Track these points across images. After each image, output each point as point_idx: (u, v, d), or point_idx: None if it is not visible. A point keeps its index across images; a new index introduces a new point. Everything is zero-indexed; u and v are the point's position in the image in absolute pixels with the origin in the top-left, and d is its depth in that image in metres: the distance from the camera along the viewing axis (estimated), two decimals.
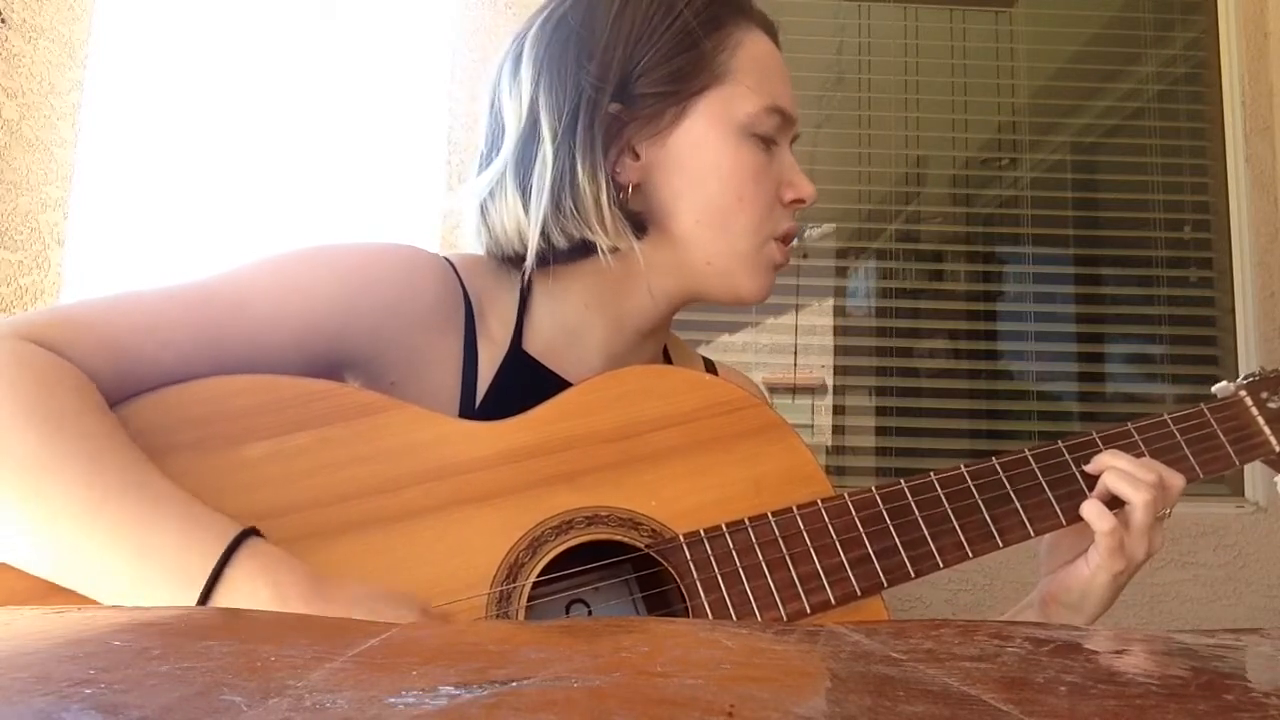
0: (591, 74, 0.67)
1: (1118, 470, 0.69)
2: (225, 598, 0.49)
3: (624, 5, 0.69)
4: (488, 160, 0.72)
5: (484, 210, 0.71)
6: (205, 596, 0.48)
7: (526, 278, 0.72)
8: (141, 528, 0.49)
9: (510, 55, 0.72)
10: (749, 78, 0.70)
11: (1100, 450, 0.72)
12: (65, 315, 0.57)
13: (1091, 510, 0.69)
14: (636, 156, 0.70)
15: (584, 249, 0.69)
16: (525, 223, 0.68)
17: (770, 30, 0.75)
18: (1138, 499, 0.68)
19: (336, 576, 0.53)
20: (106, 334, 0.57)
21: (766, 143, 0.71)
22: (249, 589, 0.49)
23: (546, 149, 0.67)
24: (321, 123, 1.55)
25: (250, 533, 0.51)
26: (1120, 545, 0.69)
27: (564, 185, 0.67)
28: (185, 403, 0.58)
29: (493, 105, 0.72)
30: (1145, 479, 0.69)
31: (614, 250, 0.69)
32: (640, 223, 0.70)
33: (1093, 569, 0.70)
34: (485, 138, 0.73)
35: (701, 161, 0.69)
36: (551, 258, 0.70)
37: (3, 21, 1.28)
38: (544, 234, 0.68)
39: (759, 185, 0.71)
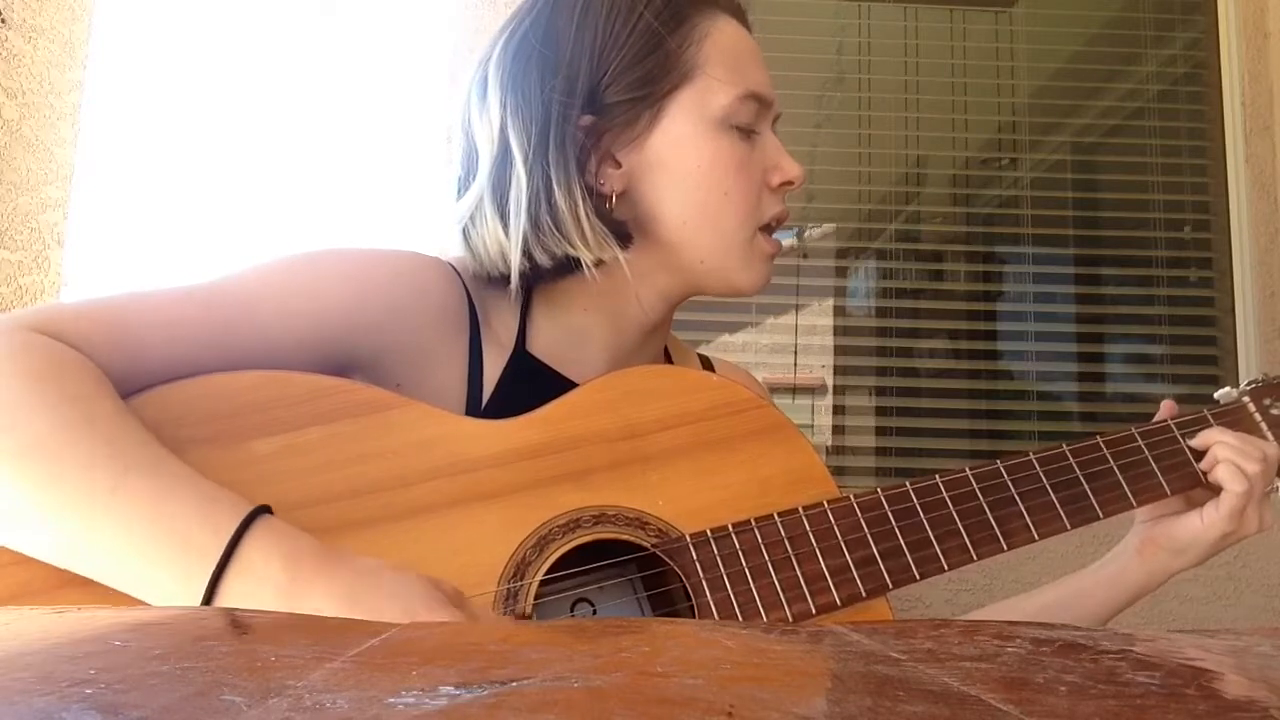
0: (558, 90, 0.67)
1: (1228, 445, 0.74)
2: (239, 573, 0.49)
3: (584, 16, 0.68)
4: (465, 185, 0.71)
5: (466, 235, 0.71)
6: (219, 572, 0.48)
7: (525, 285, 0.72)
8: (156, 507, 0.49)
9: (476, 79, 0.72)
10: (719, 69, 0.70)
11: (1101, 453, 0.73)
12: (76, 310, 0.58)
13: (1225, 471, 0.73)
14: (617, 164, 0.70)
15: (569, 265, 0.69)
16: (507, 244, 0.68)
17: (736, 12, 0.74)
18: (1252, 470, 0.72)
19: (348, 552, 0.53)
20: (117, 329, 0.57)
21: (746, 131, 0.71)
22: (262, 564, 0.49)
23: (519, 170, 0.67)
24: (321, 122, 1.55)
25: (263, 510, 0.52)
26: (1243, 509, 0.73)
27: (540, 204, 0.67)
28: (195, 398, 0.58)
29: (465, 130, 0.72)
30: (1254, 453, 0.73)
31: (599, 264, 0.69)
32: (624, 232, 0.69)
33: (1206, 524, 0.74)
34: (461, 161, 0.72)
35: (682, 161, 0.69)
36: (536, 277, 0.70)
37: (3, 21, 1.28)
38: (526, 253, 0.68)
39: (743, 176, 0.70)
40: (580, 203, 0.67)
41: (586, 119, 0.68)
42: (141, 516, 0.49)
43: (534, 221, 0.67)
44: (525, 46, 0.69)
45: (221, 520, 0.50)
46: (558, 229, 0.67)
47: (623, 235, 0.69)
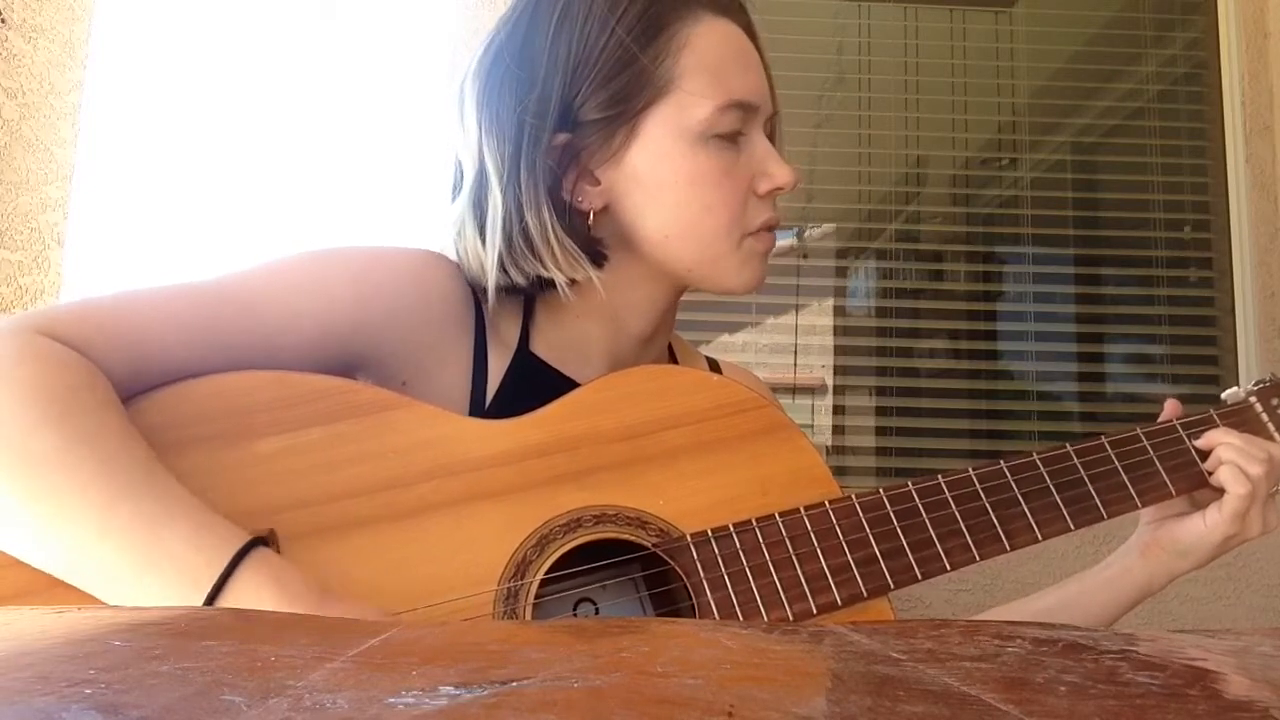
0: (530, 110, 0.66)
1: (1231, 445, 0.73)
2: (230, 604, 0.49)
3: (558, 32, 0.67)
4: (454, 194, 0.71)
5: (455, 244, 0.71)
6: (210, 602, 0.49)
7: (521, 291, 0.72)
8: (151, 530, 0.49)
9: (456, 95, 0.71)
10: (697, 80, 0.67)
11: (1106, 454, 0.72)
12: (81, 311, 0.57)
13: (1228, 473, 0.72)
14: (596, 181, 0.69)
15: (544, 284, 0.68)
16: (485, 260, 0.68)
17: (726, 8, 0.70)
18: (1255, 472, 0.72)
19: (342, 590, 0.53)
20: (121, 330, 0.57)
21: (732, 138, 0.69)
22: (254, 597, 0.49)
23: (495, 190, 0.67)
24: (321, 124, 1.55)
25: (258, 542, 0.52)
26: (1245, 512, 0.72)
27: (513, 225, 0.66)
28: (199, 398, 0.58)
29: (451, 144, 0.72)
30: (1258, 455, 0.72)
31: (573, 283, 0.68)
32: (597, 251, 0.69)
33: (1209, 526, 0.73)
34: (453, 169, 0.72)
35: (660, 177, 0.68)
36: (518, 289, 0.69)
37: (3, 21, 1.28)
38: (503, 270, 0.67)
39: (725, 189, 0.68)
40: (549, 225, 0.66)
41: (562, 137, 0.67)
42: (136, 539, 0.49)
43: (508, 241, 0.67)
44: (500, 63, 0.68)
45: (216, 550, 0.50)
46: (529, 250, 0.66)
47: (595, 255, 0.68)
